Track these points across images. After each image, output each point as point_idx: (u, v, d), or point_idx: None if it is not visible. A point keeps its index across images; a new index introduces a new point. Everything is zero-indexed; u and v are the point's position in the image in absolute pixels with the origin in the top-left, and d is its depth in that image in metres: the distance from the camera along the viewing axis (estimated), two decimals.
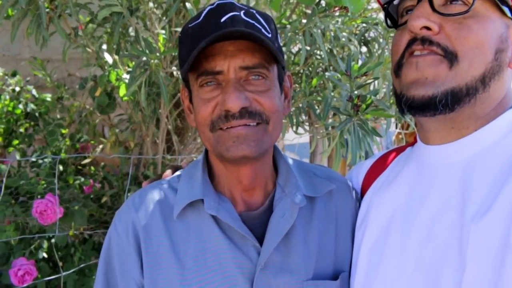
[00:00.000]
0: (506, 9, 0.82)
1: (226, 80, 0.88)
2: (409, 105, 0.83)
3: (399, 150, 1.08)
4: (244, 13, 0.89)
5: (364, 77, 1.28)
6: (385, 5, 0.92)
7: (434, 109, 0.80)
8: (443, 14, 0.80)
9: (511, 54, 0.84)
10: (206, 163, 1.01)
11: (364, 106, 1.20)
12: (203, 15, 0.90)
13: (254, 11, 0.92)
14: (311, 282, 0.94)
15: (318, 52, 1.90)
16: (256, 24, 0.88)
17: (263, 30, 0.88)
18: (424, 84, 0.80)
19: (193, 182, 0.97)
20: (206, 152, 1.02)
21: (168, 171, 1.08)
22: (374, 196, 0.99)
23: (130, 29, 2.05)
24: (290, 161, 1.05)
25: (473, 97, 0.81)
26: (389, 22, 0.94)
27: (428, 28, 0.80)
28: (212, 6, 0.90)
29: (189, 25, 0.91)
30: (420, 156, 0.93)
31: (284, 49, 2.05)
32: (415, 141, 1.01)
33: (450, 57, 0.79)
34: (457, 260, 0.75)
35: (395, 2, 0.90)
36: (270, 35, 0.90)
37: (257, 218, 0.97)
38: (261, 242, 0.93)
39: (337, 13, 1.76)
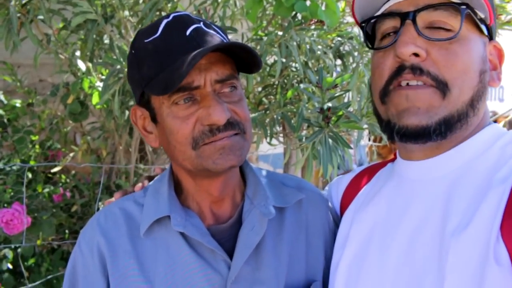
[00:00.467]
0: (483, 28, 0.84)
1: (203, 95, 0.86)
2: (402, 134, 0.82)
3: (379, 166, 1.08)
4: (204, 25, 0.89)
5: (336, 89, 1.29)
6: (363, 24, 0.92)
7: (428, 138, 0.81)
8: (431, 39, 0.80)
9: (489, 71, 0.86)
10: (172, 177, 0.99)
11: (335, 118, 1.22)
12: (160, 29, 0.87)
13: (209, 22, 0.92)
14: None
15: (294, 64, 1.91)
16: (217, 35, 0.90)
17: (225, 41, 0.90)
18: (417, 113, 0.80)
19: (159, 198, 0.95)
20: (171, 166, 1.00)
21: (141, 184, 1.06)
22: (355, 214, 0.99)
23: (105, 37, 2.03)
24: (259, 172, 1.05)
25: (465, 122, 0.82)
26: (369, 44, 0.93)
27: (416, 54, 0.80)
28: (168, 19, 0.89)
29: (146, 40, 0.88)
30: (401, 172, 0.93)
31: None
32: (395, 157, 1.02)
33: (442, 87, 0.80)
34: (436, 274, 0.76)
35: (372, 21, 0.90)
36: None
37: (227, 231, 0.96)
38: (231, 255, 0.92)
39: (313, 26, 1.78)
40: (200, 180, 0.93)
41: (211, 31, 0.89)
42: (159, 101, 0.89)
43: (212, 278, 0.90)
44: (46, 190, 2.29)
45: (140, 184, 1.05)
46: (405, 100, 0.81)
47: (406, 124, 0.81)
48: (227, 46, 0.85)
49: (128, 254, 0.92)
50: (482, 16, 0.83)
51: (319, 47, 1.85)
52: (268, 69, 2.04)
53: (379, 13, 0.87)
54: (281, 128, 2.18)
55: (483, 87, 0.83)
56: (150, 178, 1.07)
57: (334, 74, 2.00)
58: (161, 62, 0.85)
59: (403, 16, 0.81)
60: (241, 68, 0.93)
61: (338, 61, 2.07)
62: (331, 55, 1.85)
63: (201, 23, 0.89)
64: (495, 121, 0.92)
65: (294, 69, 1.93)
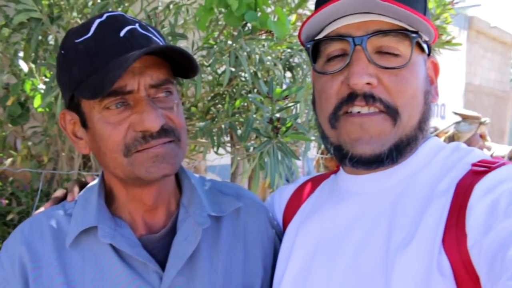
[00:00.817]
0: (426, 47, 0.86)
1: (136, 99, 0.83)
2: (355, 162, 0.84)
3: (322, 178, 1.07)
4: (139, 26, 0.86)
5: (285, 101, 1.30)
6: (309, 46, 0.90)
7: (380, 164, 0.83)
8: (382, 67, 0.80)
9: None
10: (103, 186, 0.95)
11: (284, 128, 1.23)
12: (93, 28, 0.83)
13: (145, 23, 0.89)
14: None
15: (243, 74, 1.92)
16: (153, 37, 0.86)
17: (161, 44, 0.87)
18: (370, 142, 0.82)
19: (88, 207, 0.91)
20: (103, 174, 0.96)
21: (72, 193, 1.00)
22: (300, 226, 0.98)
23: (50, 37, 1.96)
24: (196, 180, 1.02)
25: (414, 145, 0.85)
26: (316, 66, 0.90)
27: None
28: (101, 19, 0.85)
29: (76, 41, 0.84)
30: (345, 185, 0.94)
31: (209, 69, 2.05)
32: (337, 169, 1.02)
33: (393, 113, 0.81)
34: (383, 286, 0.76)
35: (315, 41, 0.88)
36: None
37: (160, 241, 0.93)
38: (164, 266, 0.89)
39: (263, 37, 1.80)
40: (132, 188, 0.90)
41: (147, 33, 0.86)
42: (89, 105, 0.84)
43: None
44: None
45: (71, 194, 0.99)
46: (359, 128, 0.82)
47: (360, 153, 0.82)
48: (162, 49, 0.82)
49: (54, 265, 0.88)
50: (427, 39, 0.85)
51: (269, 58, 1.87)
52: (217, 78, 2.04)
53: (324, 33, 0.86)
54: (228, 137, 2.18)
55: (428, 107, 0.86)
56: (81, 183, 1.02)
57: (284, 86, 2.03)
58: (92, 64, 0.81)
59: (353, 41, 0.81)
60: (177, 73, 0.90)
61: (288, 73, 2.10)
62: (280, 67, 1.87)
63: (137, 24, 0.86)
64: (437, 136, 0.95)
65: (243, 79, 1.93)
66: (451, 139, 4.19)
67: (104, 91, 0.77)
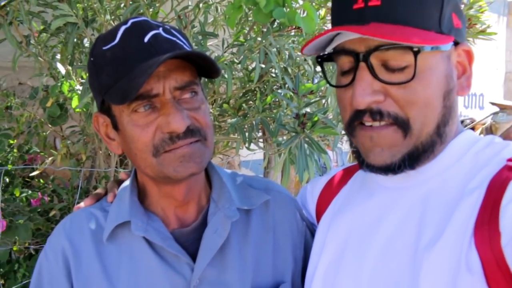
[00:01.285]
0: (441, 46, 0.81)
1: (162, 102, 0.85)
2: (370, 169, 0.84)
3: (355, 169, 1.07)
4: (163, 30, 0.87)
5: (313, 96, 1.31)
6: (319, 60, 0.88)
7: (394, 172, 0.82)
8: (387, 83, 0.78)
9: (456, 82, 0.84)
10: (136, 184, 0.99)
11: (310, 123, 1.23)
12: (119, 35, 0.86)
13: (169, 27, 0.90)
14: None
15: (274, 70, 1.93)
16: (177, 40, 0.88)
17: (185, 46, 0.89)
18: (381, 154, 0.82)
19: (121, 204, 0.96)
20: (135, 172, 1.00)
21: (112, 193, 1.04)
22: (332, 220, 0.98)
23: (85, 40, 2.02)
24: (225, 174, 1.05)
25: (431, 151, 0.82)
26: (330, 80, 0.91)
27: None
28: (126, 25, 0.87)
29: (104, 48, 0.86)
30: (376, 178, 0.93)
31: (240, 66, 2.08)
32: None
33: (403, 125, 0.79)
34: (410, 283, 0.76)
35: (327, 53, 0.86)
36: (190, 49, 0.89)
37: (191, 234, 0.96)
38: (195, 258, 0.92)
39: (292, 33, 1.80)
40: (163, 185, 0.93)
41: (171, 37, 0.88)
42: (119, 109, 0.87)
43: (176, 282, 0.91)
44: (24, 194, 2.27)
45: (112, 194, 1.04)
46: (369, 141, 0.82)
47: (372, 163, 0.83)
48: (184, 54, 0.84)
49: (92, 258, 0.93)
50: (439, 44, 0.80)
51: (299, 53, 1.88)
52: (248, 74, 2.06)
53: (333, 45, 0.84)
54: (260, 133, 2.20)
55: (449, 109, 0.82)
56: (119, 182, 1.06)
57: (316, 81, 2.03)
58: (119, 70, 0.84)
59: (357, 57, 0.79)
60: (201, 73, 0.92)
61: (319, 68, 2.10)
62: (310, 62, 1.87)
63: (160, 28, 0.88)
64: (472, 128, 0.92)
65: (273, 75, 1.95)
66: (488, 130, 4.06)
67: (131, 97, 0.81)
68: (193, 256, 0.92)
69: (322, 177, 1.15)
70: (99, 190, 1.07)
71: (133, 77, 0.81)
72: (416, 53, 0.76)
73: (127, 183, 1.00)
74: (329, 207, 1.04)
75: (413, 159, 0.81)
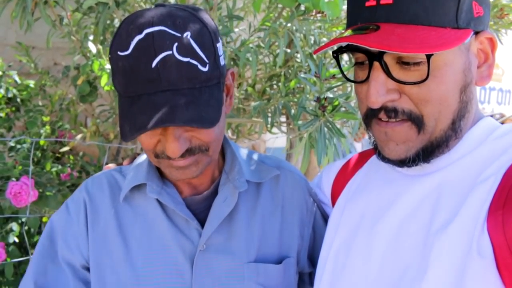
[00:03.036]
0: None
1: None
2: (386, 161, 0.86)
3: (371, 153, 1.07)
4: (177, 49, 0.80)
5: (334, 80, 1.32)
6: (334, 55, 0.88)
7: (409, 165, 0.83)
8: (401, 82, 0.78)
9: (475, 72, 0.82)
10: None
11: (330, 107, 1.24)
12: (132, 46, 0.80)
13: (189, 37, 0.81)
14: (252, 265, 0.98)
15: (299, 55, 1.94)
16: (191, 61, 0.81)
17: (199, 66, 0.82)
18: (395, 148, 0.83)
19: (140, 169, 1.01)
20: None
21: (129, 158, 1.12)
22: (347, 202, 1.00)
23: (116, 21, 2.08)
24: (239, 150, 1.09)
25: (446, 146, 0.82)
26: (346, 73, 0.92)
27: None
28: (141, 36, 0.80)
29: (119, 53, 0.82)
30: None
31: (267, 51, 2.09)
32: None
33: (417, 121, 0.79)
34: (420, 265, 0.77)
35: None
36: (207, 67, 0.83)
37: (202, 202, 1.01)
38: (204, 225, 0.97)
39: (319, 17, 1.80)
40: None
41: (184, 59, 0.80)
42: None
43: (184, 244, 0.96)
44: (54, 169, 2.36)
45: (128, 159, 1.11)
46: (384, 135, 0.83)
47: (388, 156, 0.84)
48: (170, 125, 0.79)
49: (110, 215, 1.00)
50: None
51: (324, 39, 1.88)
52: (274, 59, 2.07)
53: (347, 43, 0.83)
54: (285, 118, 2.21)
55: (465, 103, 0.82)
56: (134, 157, 1.12)
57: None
58: (126, 86, 0.82)
59: (371, 57, 0.78)
60: None
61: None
62: (335, 47, 1.87)
63: (175, 45, 0.80)
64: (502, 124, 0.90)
65: (298, 60, 1.96)
66: None
67: (129, 139, 0.81)
68: (203, 223, 0.97)
69: (338, 161, 1.16)
70: (134, 155, 1.14)
71: (134, 113, 0.81)
72: (429, 56, 0.75)
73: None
74: (344, 190, 1.05)
75: (427, 153, 0.82)
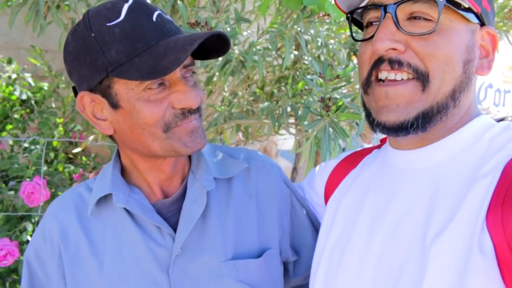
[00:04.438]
0: (471, 16, 0.82)
1: (172, 80, 0.88)
2: (380, 129, 0.84)
3: (365, 152, 1.08)
4: (161, 11, 0.90)
5: (338, 81, 1.34)
6: (349, 15, 0.91)
7: (406, 132, 0.82)
8: (409, 33, 0.80)
9: (478, 61, 0.84)
10: (119, 160, 1.02)
11: (334, 107, 1.26)
12: (124, 13, 0.85)
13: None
14: (230, 262, 0.96)
15: (306, 57, 1.95)
16: (172, 21, 0.92)
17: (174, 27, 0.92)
18: (395, 110, 0.81)
19: (104, 179, 0.99)
20: (118, 151, 1.03)
21: (94, 172, 1.11)
22: (341, 200, 0.99)
23: None
24: (207, 148, 1.08)
25: (445, 114, 0.82)
26: (354, 35, 0.92)
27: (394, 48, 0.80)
28: (128, 3, 0.87)
29: (108, 24, 0.85)
30: (388, 159, 0.94)
31: (275, 54, 2.11)
32: (381, 144, 1.03)
33: (422, 78, 0.80)
34: (419, 263, 0.76)
35: (358, 11, 0.89)
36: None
37: (173, 205, 0.99)
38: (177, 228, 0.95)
39: (327, 20, 1.82)
40: (154, 160, 0.96)
41: (169, 18, 0.91)
42: (127, 86, 0.87)
43: (157, 252, 0.94)
44: (67, 170, 2.41)
45: (94, 172, 1.10)
46: (385, 96, 0.82)
47: (384, 120, 0.82)
48: (217, 34, 0.87)
49: (79, 233, 0.97)
50: (466, 6, 0.81)
51: (332, 41, 1.89)
52: (282, 61, 2.09)
53: (363, 4, 0.88)
54: (293, 120, 2.23)
55: (467, 78, 0.83)
56: None
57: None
58: (133, 47, 0.84)
59: (384, 9, 0.81)
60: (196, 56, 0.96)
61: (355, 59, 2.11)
62: (343, 50, 1.89)
63: (158, 9, 0.90)
64: None
65: (306, 62, 1.97)
66: None
67: (160, 76, 0.82)
68: (175, 226, 0.95)
69: (331, 160, 1.15)
70: (100, 168, 1.12)
71: (157, 55, 0.83)
72: (439, 4, 0.78)
73: (110, 162, 1.03)
74: (337, 188, 1.05)
75: (427, 118, 0.81)
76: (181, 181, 1.01)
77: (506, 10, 2.02)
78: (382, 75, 0.83)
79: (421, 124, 0.81)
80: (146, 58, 0.84)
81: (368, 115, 0.87)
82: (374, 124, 0.85)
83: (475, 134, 0.84)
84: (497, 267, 0.69)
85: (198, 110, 0.92)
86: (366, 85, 0.86)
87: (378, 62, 0.82)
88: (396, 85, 0.81)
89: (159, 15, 0.88)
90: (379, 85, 0.83)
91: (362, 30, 0.93)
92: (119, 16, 0.85)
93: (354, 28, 0.95)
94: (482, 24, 0.85)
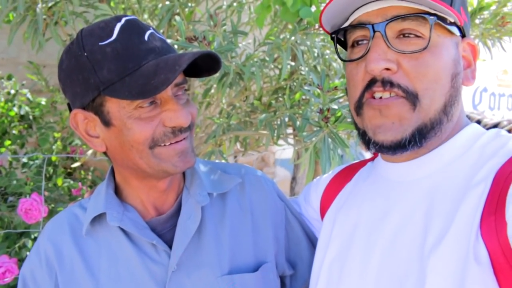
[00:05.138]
0: (455, 29, 0.84)
1: (164, 98, 0.89)
2: (378, 148, 0.84)
3: (359, 165, 1.08)
4: (153, 29, 0.91)
5: (337, 91, 1.35)
6: (333, 35, 0.90)
7: (404, 149, 0.82)
8: (400, 52, 0.80)
9: (462, 72, 0.85)
10: (113, 179, 1.02)
11: (333, 118, 1.27)
12: (116, 32, 0.87)
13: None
14: (226, 277, 0.96)
15: (303, 68, 1.97)
16: (164, 39, 0.93)
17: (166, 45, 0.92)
18: (392, 129, 0.81)
19: (98, 198, 0.99)
20: (112, 169, 1.03)
21: (89, 192, 1.11)
22: (337, 214, 0.99)
23: None
24: (199, 163, 1.08)
25: (439, 129, 0.83)
26: (341, 55, 0.91)
27: (387, 68, 0.81)
28: (121, 22, 0.88)
29: (101, 43, 0.86)
30: (381, 172, 0.94)
31: (272, 65, 2.13)
32: (375, 156, 1.03)
33: (412, 98, 0.80)
34: (418, 275, 0.76)
35: (342, 30, 0.88)
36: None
37: (167, 221, 0.99)
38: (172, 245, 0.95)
39: (321, 31, 1.84)
40: (148, 179, 0.96)
41: (161, 36, 0.92)
42: (118, 105, 0.87)
43: (153, 270, 0.94)
44: (66, 184, 2.41)
45: (89, 192, 1.10)
46: (379, 115, 0.82)
47: (382, 140, 0.82)
48: (209, 54, 0.87)
49: (74, 253, 0.97)
50: (452, 20, 0.83)
51: (328, 51, 1.91)
52: (280, 72, 2.11)
53: (348, 23, 0.87)
54: (291, 130, 2.24)
55: (455, 91, 0.84)
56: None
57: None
58: (124, 67, 0.85)
59: (373, 28, 0.81)
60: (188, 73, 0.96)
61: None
62: (339, 61, 1.90)
63: (151, 28, 0.91)
64: (509, 130, 0.90)
65: (303, 73, 1.99)
66: None
67: (150, 96, 0.83)
68: (170, 243, 0.95)
69: (326, 175, 1.15)
70: (94, 188, 1.12)
71: (147, 75, 0.84)
72: (430, 21, 0.79)
73: (104, 181, 1.03)
74: (333, 202, 1.05)
75: (422, 134, 0.81)
76: (175, 197, 1.01)
77: (498, 17, 2.05)
78: (375, 95, 0.83)
79: (418, 140, 0.82)
80: (136, 77, 0.84)
81: (363, 134, 0.87)
82: (370, 144, 0.85)
83: (466, 143, 0.85)
84: (493, 275, 0.70)
85: (189, 128, 0.92)
86: (359, 106, 0.86)
87: (371, 83, 0.82)
88: (389, 102, 0.81)
89: (151, 34, 0.89)
90: (371, 105, 0.83)
91: (346, 49, 0.92)
92: (111, 36, 0.86)
93: (339, 47, 0.93)
94: (463, 36, 0.87)
